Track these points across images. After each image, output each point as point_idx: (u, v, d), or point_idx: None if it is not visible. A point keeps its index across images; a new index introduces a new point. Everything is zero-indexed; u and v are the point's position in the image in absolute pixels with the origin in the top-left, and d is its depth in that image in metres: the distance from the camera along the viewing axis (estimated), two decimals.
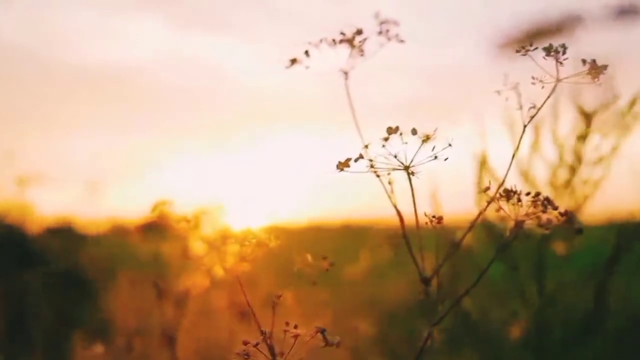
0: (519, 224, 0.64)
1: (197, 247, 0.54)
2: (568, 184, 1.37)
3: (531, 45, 0.62)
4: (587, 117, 1.37)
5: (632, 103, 1.29)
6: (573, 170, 1.36)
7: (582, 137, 1.35)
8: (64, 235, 3.36)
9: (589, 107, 1.35)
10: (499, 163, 1.32)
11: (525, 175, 1.40)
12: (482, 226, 1.38)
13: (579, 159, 1.36)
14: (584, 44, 0.63)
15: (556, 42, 0.61)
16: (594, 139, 1.36)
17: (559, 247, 1.39)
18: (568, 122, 1.36)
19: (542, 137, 1.39)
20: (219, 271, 0.54)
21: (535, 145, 1.40)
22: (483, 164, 1.35)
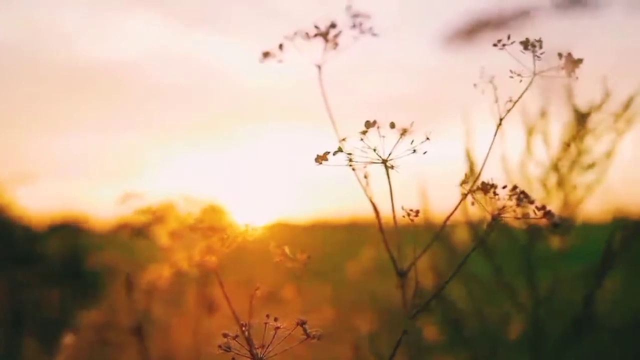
0: (494, 217, 0.64)
1: (163, 239, 0.55)
2: (560, 186, 1.36)
3: (477, 37, 0.62)
4: (581, 118, 1.36)
5: (627, 104, 1.28)
6: (566, 172, 1.36)
7: (576, 139, 1.34)
8: (65, 232, 3.38)
9: (582, 107, 1.34)
10: (489, 161, 1.31)
11: (516, 175, 1.40)
12: (466, 225, 1.38)
13: (571, 161, 1.35)
14: (535, 35, 0.63)
15: (504, 34, 0.62)
16: (588, 141, 1.35)
17: (554, 242, 1.39)
18: (561, 124, 1.35)
19: (534, 138, 1.38)
20: (185, 264, 0.54)
21: (528, 147, 1.39)
22: (468, 160, 1.35)
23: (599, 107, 1.30)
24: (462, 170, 1.45)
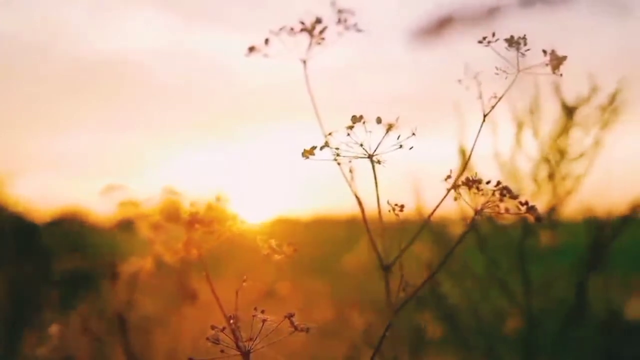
0: (477, 212, 0.65)
1: (146, 231, 0.55)
2: (550, 178, 1.37)
3: (444, 33, 0.63)
4: (569, 112, 1.37)
5: (613, 97, 1.29)
6: (555, 165, 1.37)
7: (564, 132, 1.35)
8: (65, 227, 3.39)
9: (570, 101, 1.35)
10: (481, 157, 1.33)
11: (508, 171, 1.41)
12: (461, 221, 1.39)
13: (560, 153, 1.36)
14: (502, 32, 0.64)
15: (471, 29, 0.62)
16: (576, 134, 1.37)
17: (544, 238, 1.40)
18: (551, 117, 1.37)
19: (524, 132, 1.40)
20: (167, 256, 0.55)
21: (517, 140, 1.40)
22: (462, 157, 1.36)
23: (586, 101, 1.32)
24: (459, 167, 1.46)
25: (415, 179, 1.42)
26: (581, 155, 1.33)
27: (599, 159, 1.33)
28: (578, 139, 1.34)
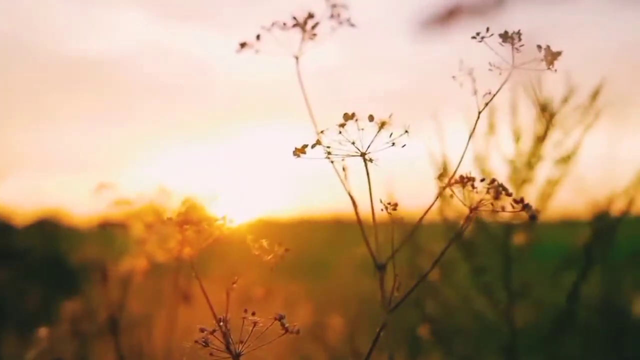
0: (472, 210, 0.64)
1: (138, 230, 0.54)
2: (528, 181, 1.35)
3: (450, 23, 0.62)
4: (547, 112, 1.36)
5: (594, 96, 1.28)
6: (533, 167, 1.35)
7: (542, 133, 1.34)
8: (48, 227, 3.35)
9: (549, 101, 1.34)
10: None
11: (485, 172, 1.39)
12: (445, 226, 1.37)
13: (538, 155, 1.35)
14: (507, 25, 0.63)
15: (479, 21, 0.61)
16: (555, 135, 1.35)
17: (520, 239, 1.38)
18: (529, 118, 1.35)
19: (499, 132, 1.38)
20: (159, 255, 0.54)
21: (490, 139, 1.38)
22: (443, 157, 1.35)
23: (565, 101, 1.30)
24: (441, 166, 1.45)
25: (414, 177, 1.40)
26: (561, 157, 1.32)
27: (579, 158, 1.32)
28: (557, 141, 1.33)
